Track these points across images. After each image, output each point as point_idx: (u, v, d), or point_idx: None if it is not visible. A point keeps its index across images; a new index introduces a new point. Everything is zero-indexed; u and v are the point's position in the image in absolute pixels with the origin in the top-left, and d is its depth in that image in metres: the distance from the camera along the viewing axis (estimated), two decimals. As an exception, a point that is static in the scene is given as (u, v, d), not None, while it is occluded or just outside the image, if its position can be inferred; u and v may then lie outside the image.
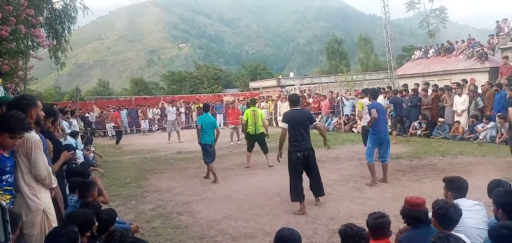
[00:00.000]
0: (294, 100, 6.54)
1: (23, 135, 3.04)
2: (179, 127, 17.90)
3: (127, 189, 8.15)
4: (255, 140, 10.03)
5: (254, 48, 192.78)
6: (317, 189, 6.34)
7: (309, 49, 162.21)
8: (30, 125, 3.13)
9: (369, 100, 8.14)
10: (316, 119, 19.38)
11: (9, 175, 3.00)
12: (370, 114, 7.57)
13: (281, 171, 9.03)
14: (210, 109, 24.68)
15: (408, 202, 3.32)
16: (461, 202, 3.27)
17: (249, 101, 12.47)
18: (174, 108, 19.37)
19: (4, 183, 2.96)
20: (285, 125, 6.22)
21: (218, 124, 9.49)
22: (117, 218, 4.18)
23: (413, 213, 3.23)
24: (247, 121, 10.15)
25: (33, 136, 3.16)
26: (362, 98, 10.58)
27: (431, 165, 8.89)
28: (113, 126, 18.86)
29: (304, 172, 6.28)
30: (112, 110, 20.72)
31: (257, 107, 11.89)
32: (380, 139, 7.50)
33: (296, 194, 6.07)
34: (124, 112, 22.17)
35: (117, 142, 16.23)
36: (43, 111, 3.53)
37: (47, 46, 14.17)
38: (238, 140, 14.62)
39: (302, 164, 6.19)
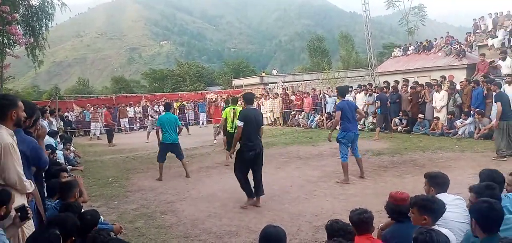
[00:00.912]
0: (248, 98, 6.59)
1: None
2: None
3: (109, 189, 8.02)
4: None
5: (237, 45, 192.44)
6: (259, 188, 6.36)
7: (291, 47, 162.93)
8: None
9: (338, 98, 8.23)
10: (299, 116, 19.54)
11: None
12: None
13: (264, 168, 9.03)
14: (195, 107, 24.53)
15: (393, 197, 3.35)
16: (442, 197, 3.33)
17: (229, 99, 12.36)
18: (156, 107, 19.13)
19: None
20: (241, 124, 6.22)
21: (180, 122, 9.47)
22: (100, 219, 4.11)
23: (397, 208, 3.28)
24: (226, 119, 10.07)
25: (4, 139, 3.01)
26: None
27: (412, 160, 9.05)
28: (104, 125, 18.36)
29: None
30: (105, 108, 20.14)
31: (238, 105, 11.72)
32: (351, 137, 7.51)
33: (248, 188, 6.28)
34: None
35: (110, 140, 16.12)
36: (24, 110, 3.37)
37: (24, 43, 13.81)
38: (214, 139, 14.50)
39: (253, 162, 6.28)
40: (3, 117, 3.12)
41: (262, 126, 6.55)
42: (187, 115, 23.78)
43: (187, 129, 19.01)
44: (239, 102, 12.62)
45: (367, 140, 12.60)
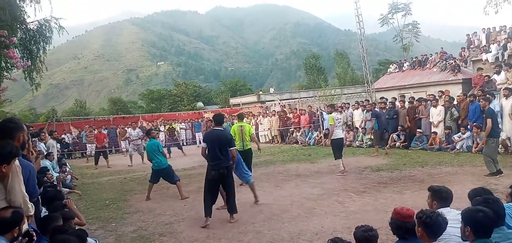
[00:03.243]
0: (217, 120, 6.77)
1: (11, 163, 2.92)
2: (142, 149, 17.49)
3: (106, 211, 7.93)
4: (241, 156, 9.86)
5: (233, 64, 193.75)
6: (231, 206, 6.53)
7: (287, 65, 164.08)
8: (18, 151, 3.01)
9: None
10: (297, 133, 19.49)
11: None
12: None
13: (264, 187, 9.02)
14: (192, 127, 24.32)
15: (399, 213, 3.24)
16: (444, 212, 3.30)
17: (236, 115, 12.32)
18: (137, 130, 18.98)
19: None
20: (204, 145, 6.56)
21: (162, 147, 9.59)
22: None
23: (404, 224, 3.17)
24: (234, 136, 9.92)
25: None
26: (330, 112, 10.80)
27: (411, 176, 9.02)
28: (95, 146, 18.14)
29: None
30: (104, 130, 19.97)
31: (245, 122, 11.62)
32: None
33: (205, 209, 6.40)
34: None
35: (106, 160, 16.18)
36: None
37: (22, 67, 13.80)
38: None
39: (218, 182, 6.48)
40: (11, 139, 3.13)
41: (231, 148, 6.55)
42: (178, 136, 23.27)
43: (181, 150, 18.92)
44: (245, 119, 12.57)
45: (366, 157, 12.59)
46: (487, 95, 10.28)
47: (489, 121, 8.11)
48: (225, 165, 6.43)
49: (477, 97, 12.08)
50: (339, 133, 10.42)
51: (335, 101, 26.61)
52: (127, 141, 21.41)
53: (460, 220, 3.33)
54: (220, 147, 6.41)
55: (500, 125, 11.11)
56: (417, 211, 3.13)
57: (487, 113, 8.46)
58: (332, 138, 10.29)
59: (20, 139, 3.20)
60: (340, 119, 11.27)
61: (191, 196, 8.66)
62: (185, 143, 23.29)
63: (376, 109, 14.84)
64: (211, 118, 12.17)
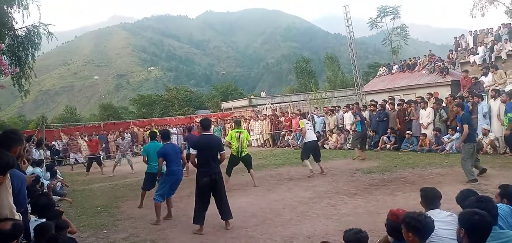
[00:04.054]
0: (204, 125, 6.73)
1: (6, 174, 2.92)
2: (130, 156, 17.39)
3: (98, 218, 7.86)
4: (239, 162, 9.83)
5: (225, 69, 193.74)
6: (225, 212, 6.39)
7: (278, 69, 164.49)
8: (14, 163, 3.01)
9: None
10: (289, 137, 19.54)
11: None
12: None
13: (256, 190, 9.03)
14: (184, 132, 24.16)
15: (395, 214, 3.25)
16: (434, 213, 3.34)
17: (233, 122, 12.35)
18: (127, 138, 18.84)
19: None
20: (194, 152, 6.41)
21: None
22: None
23: (399, 226, 3.14)
24: (230, 143, 9.90)
25: None
26: (301, 118, 11.36)
27: (402, 177, 9.10)
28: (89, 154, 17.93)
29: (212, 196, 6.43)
30: (87, 137, 19.76)
31: (242, 128, 11.66)
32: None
33: (197, 217, 6.26)
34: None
35: (100, 167, 15.93)
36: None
37: (10, 73, 13.64)
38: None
39: (210, 188, 6.32)
40: (8, 150, 3.13)
41: (221, 152, 6.52)
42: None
43: None
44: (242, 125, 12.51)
45: (358, 160, 12.63)
46: (459, 102, 10.17)
47: (465, 126, 8.01)
48: (217, 171, 6.38)
49: (466, 99, 12.26)
50: (311, 136, 10.89)
51: (326, 104, 26.77)
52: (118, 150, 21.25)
53: (452, 222, 3.38)
54: (212, 152, 6.37)
55: (488, 126, 11.33)
56: (403, 216, 3.10)
57: (462, 119, 8.29)
58: (305, 141, 10.86)
59: (17, 151, 3.20)
60: (310, 123, 11.84)
61: (183, 201, 8.65)
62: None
63: (361, 111, 14.67)
64: (233, 121, 12.13)
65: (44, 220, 4.37)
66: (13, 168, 2.99)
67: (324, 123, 18.38)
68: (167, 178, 7.23)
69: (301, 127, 10.96)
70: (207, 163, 6.29)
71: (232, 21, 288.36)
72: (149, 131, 12.79)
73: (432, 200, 3.69)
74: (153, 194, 8.78)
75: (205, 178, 6.25)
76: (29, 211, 4.63)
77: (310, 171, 10.35)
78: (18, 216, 3.16)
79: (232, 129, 10.55)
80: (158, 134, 9.17)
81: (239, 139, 9.54)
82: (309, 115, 18.94)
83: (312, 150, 10.72)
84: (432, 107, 13.43)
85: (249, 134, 21.69)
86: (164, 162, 7.15)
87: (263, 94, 42.62)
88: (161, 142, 7.73)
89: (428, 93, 15.34)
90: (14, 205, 3.11)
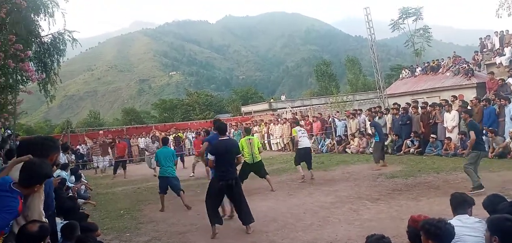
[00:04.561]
0: (221, 128, 6.62)
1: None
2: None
3: (120, 221, 7.99)
4: (252, 169, 9.82)
5: (245, 73, 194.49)
6: (245, 217, 6.34)
7: (298, 72, 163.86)
8: (52, 173, 3.11)
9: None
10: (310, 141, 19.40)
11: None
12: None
13: (277, 195, 9.00)
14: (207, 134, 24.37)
15: (416, 220, 3.19)
16: (462, 219, 3.25)
17: (243, 130, 12.42)
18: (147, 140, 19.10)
19: (7, 228, 2.90)
20: (212, 157, 6.35)
21: (176, 156, 9.87)
22: None
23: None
24: (242, 150, 9.94)
25: None
26: (294, 126, 11.55)
27: (426, 182, 8.89)
28: (116, 156, 18.13)
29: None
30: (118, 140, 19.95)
31: (252, 135, 11.82)
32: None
33: (214, 217, 6.26)
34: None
35: (124, 170, 16.24)
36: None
37: (36, 79, 14.07)
38: (192, 173, 13.83)
39: (224, 193, 6.37)
40: (45, 157, 3.21)
41: (238, 156, 6.59)
42: (183, 146, 22.93)
43: (182, 162, 17.36)
44: (257, 127, 12.60)
45: (375, 170, 12.34)
46: (467, 109, 9.77)
47: (472, 133, 7.69)
48: (234, 176, 6.35)
49: (492, 101, 11.92)
50: (304, 143, 11.18)
51: (347, 107, 26.48)
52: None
53: (480, 228, 3.27)
54: (229, 157, 6.33)
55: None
56: (422, 222, 3.02)
57: (469, 125, 7.99)
58: (298, 147, 11.16)
59: (53, 158, 3.27)
60: (304, 130, 12.07)
61: (203, 204, 8.65)
62: (193, 153, 23.28)
63: (375, 119, 14.32)
64: (243, 129, 12.30)
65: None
66: (50, 178, 3.07)
67: (346, 126, 18.16)
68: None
69: (293, 135, 11.20)
70: (224, 168, 6.25)
71: (252, 25, 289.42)
72: (162, 137, 12.99)
73: (461, 204, 3.58)
74: (173, 197, 8.92)
75: (221, 182, 6.23)
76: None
77: (301, 177, 10.55)
78: (45, 221, 3.25)
79: (242, 137, 10.56)
80: (180, 137, 9.71)
81: (250, 146, 9.59)
82: (330, 119, 18.82)
83: (304, 157, 11.00)
84: (457, 110, 13.08)
85: (269, 137, 21.83)
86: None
87: (283, 97, 42.49)
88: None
89: (452, 96, 14.94)
90: (43, 211, 3.20)
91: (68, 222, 4.45)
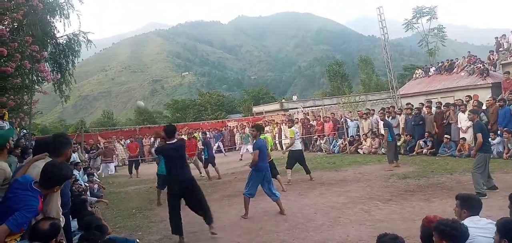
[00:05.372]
0: (168, 131, 6.35)
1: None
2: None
3: (133, 220, 8.08)
4: None
5: (256, 73, 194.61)
6: (204, 217, 6.31)
7: (310, 72, 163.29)
8: (71, 174, 3.20)
9: (254, 136, 7.84)
10: (321, 141, 19.31)
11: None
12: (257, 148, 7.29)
13: (288, 195, 8.98)
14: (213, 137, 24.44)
15: (431, 221, 3.15)
16: (474, 220, 3.20)
17: (251, 129, 12.30)
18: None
19: (26, 225, 2.98)
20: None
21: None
22: None
23: None
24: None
25: None
26: (290, 126, 11.40)
27: (439, 183, 8.78)
28: (129, 156, 18.12)
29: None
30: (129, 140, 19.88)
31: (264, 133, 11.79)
32: (263, 176, 7.35)
33: (175, 226, 6.13)
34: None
35: (131, 171, 16.39)
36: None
37: (52, 80, 14.34)
38: (200, 173, 13.63)
39: (180, 196, 6.21)
40: (59, 154, 3.35)
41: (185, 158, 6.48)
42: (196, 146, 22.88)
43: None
44: (268, 127, 12.54)
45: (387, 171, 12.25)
46: (473, 108, 9.55)
47: (478, 135, 7.48)
48: (189, 177, 6.27)
49: (507, 101, 11.71)
50: (297, 145, 11.13)
51: (360, 107, 26.29)
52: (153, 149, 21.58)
53: (492, 229, 3.23)
54: (179, 158, 6.18)
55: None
56: (435, 223, 2.99)
57: (476, 126, 7.79)
58: (291, 149, 10.99)
59: (67, 154, 3.37)
60: (299, 133, 12.02)
61: (216, 204, 8.70)
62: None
63: (387, 118, 14.13)
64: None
65: (76, 220, 4.55)
66: (69, 179, 3.16)
67: (358, 127, 18.04)
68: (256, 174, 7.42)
69: (291, 136, 11.03)
70: (174, 171, 6.15)
71: (264, 25, 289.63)
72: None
73: (475, 206, 3.54)
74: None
75: (175, 186, 6.16)
76: None
77: (288, 181, 10.39)
78: (62, 218, 3.35)
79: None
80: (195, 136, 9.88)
81: None
82: (342, 119, 18.71)
83: (298, 159, 10.92)
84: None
85: (280, 137, 21.78)
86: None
87: (294, 97, 42.38)
88: None
89: (467, 96, 14.72)
90: (61, 208, 3.29)
91: (89, 217, 4.58)
